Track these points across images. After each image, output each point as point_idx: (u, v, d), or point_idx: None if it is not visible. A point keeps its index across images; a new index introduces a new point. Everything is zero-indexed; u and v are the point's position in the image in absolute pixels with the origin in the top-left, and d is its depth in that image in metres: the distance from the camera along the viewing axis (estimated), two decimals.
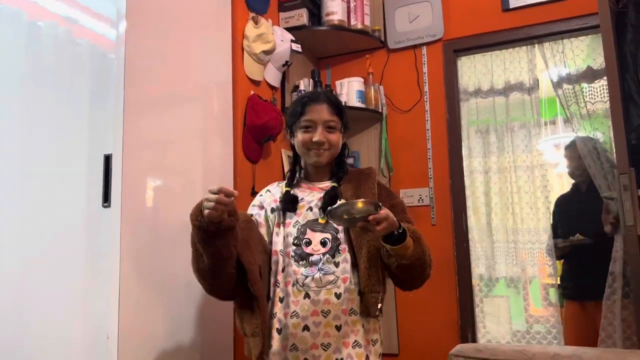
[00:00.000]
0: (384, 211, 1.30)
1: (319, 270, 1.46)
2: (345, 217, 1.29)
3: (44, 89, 1.78)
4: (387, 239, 1.36)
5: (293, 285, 1.48)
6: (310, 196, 1.58)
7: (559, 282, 2.73)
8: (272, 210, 1.60)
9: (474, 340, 2.63)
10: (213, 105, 2.16)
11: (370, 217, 1.28)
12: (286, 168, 2.57)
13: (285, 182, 1.67)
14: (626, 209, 1.58)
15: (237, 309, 1.52)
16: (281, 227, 1.56)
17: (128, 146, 1.63)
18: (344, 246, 1.49)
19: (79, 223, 1.65)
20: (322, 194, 1.56)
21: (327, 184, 1.60)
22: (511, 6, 2.70)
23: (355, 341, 1.46)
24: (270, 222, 1.59)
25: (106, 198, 1.61)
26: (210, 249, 1.37)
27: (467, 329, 2.62)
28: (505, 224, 2.79)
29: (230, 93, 2.25)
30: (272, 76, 2.52)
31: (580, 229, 2.72)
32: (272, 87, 2.55)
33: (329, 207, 1.35)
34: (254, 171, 2.33)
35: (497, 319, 2.82)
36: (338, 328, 1.45)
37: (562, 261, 2.89)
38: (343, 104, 1.71)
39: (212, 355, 1.94)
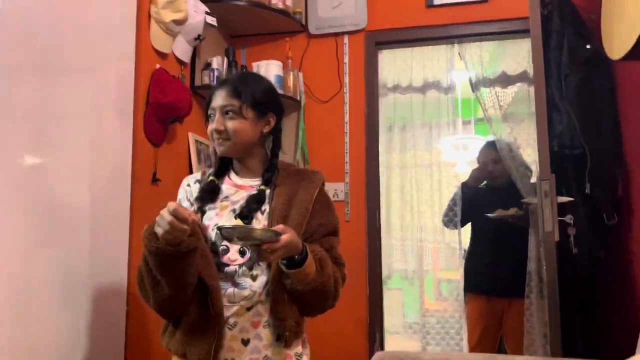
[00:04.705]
0: (286, 238, 1.16)
1: (233, 284, 1.27)
2: (238, 241, 1.16)
3: None
4: (287, 260, 1.23)
5: None
6: (237, 195, 1.36)
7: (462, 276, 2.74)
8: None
9: (382, 337, 2.58)
10: (110, 76, 1.86)
11: (265, 246, 1.15)
12: (193, 154, 2.33)
13: (210, 171, 1.43)
14: (546, 215, 1.57)
15: (179, 327, 1.26)
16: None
17: None
18: None
19: None
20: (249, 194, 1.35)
21: (258, 183, 1.38)
22: (435, 3, 2.67)
23: (266, 356, 1.29)
24: None
25: None
26: (171, 276, 1.16)
27: (375, 327, 2.56)
28: (408, 220, 2.82)
29: (132, 64, 1.95)
30: (182, 50, 2.26)
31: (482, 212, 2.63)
32: (181, 63, 2.29)
33: (222, 225, 1.19)
34: (156, 155, 2.06)
35: (394, 312, 2.85)
36: (245, 342, 1.27)
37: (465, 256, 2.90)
38: (266, 87, 1.44)
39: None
